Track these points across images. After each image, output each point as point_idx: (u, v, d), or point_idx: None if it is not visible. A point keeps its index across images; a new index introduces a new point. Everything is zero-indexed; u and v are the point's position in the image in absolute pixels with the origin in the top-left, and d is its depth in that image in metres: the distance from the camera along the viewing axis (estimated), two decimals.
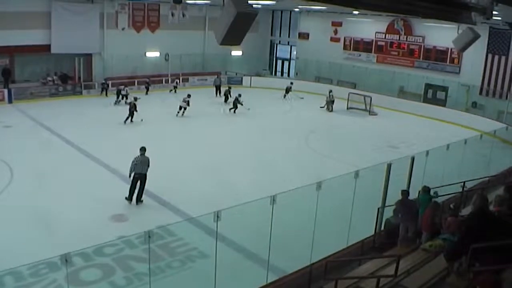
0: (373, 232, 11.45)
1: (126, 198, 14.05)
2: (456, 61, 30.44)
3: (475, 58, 28.16)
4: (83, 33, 30.33)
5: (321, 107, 29.67)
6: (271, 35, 41.97)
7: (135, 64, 33.15)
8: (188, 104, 25.62)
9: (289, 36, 41.12)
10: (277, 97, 32.42)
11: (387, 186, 11.57)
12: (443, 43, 29.70)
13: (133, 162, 14.06)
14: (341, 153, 20.35)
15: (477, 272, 6.44)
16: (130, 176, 14.12)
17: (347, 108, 30.36)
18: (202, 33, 36.27)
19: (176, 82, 33.51)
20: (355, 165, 12.89)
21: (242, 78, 37.35)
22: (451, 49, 29.58)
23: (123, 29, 32.85)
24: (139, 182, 14.17)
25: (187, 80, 35.37)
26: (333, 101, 29.73)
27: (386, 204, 11.72)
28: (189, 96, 26.04)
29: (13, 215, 12.94)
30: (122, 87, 28.91)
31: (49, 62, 30.54)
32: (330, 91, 30.05)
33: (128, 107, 23.93)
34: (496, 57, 28.33)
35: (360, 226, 11.75)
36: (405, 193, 11.12)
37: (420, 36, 32.18)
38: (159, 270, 10.55)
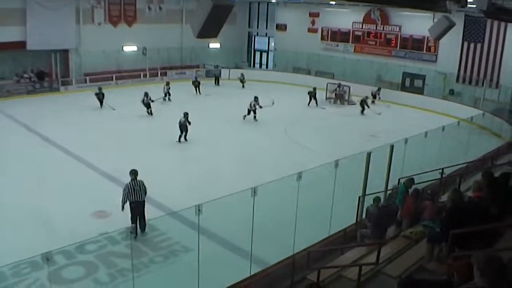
0: (354, 221, 11.55)
1: (130, 232, 11.22)
2: (432, 49, 30.75)
3: (451, 46, 28.48)
4: (59, 29, 29.95)
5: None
6: (249, 27, 41.87)
7: (112, 59, 32.81)
8: (260, 107, 24.10)
9: (266, 28, 41.11)
10: (255, 89, 32.33)
11: (367, 175, 11.65)
12: (420, 32, 29.97)
13: (124, 190, 11.81)
14: (321, 143, 20.50)
15: (456, 258, 6.57)
16: (123, 208, 11.79)
17: (326, 98, 30.46)
18: (180, 26, 36.03)
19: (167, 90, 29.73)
20: (335, 155, 12.95)
21: (220, 71, 37.25)
22: (427, 38, 29.89)
23: (99, 24, 32.51)
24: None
25: (165, 74, 35.15)
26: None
27: (367, 193, 11.81)
28: (256, 99, 24.38)
29: None
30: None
31: (25, 59, 30.03)
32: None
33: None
34: (472, 45, 28.69)
35: (341, 215, 11.85)
36: (378, 200, 11.24)
37: (396, 26, 32.41)
38: (142, 266, 10.52)
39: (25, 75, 29.62)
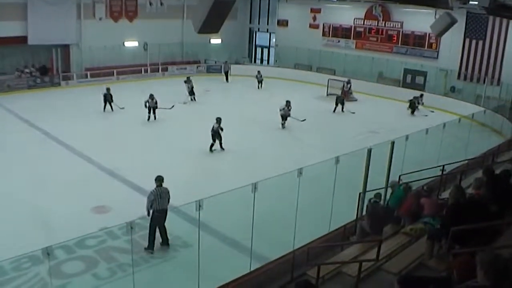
0: (355, 217, 11.55)
1: (145, 248, 10.96)
2: (434, 46, 30.68)
3: (452, 43, 28.40)
4: (60, 24, 29.94)
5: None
6: (250, 22, 41.78)
7: (113, 54, 32.77)
8: (289, 110, 22.39)
9: (268, 24, 41.00)
10: (256, 85, 32.27)
11: (368, 171, 11.65)
12: (421, 28, 29.86)
13: (149, 197, 11.08)
14: (322, 139, 20.46)
15: (456, 255, 6.57)
16: (148, 214, 11.15)
17: (327, 95, 30.42)
18: (181, 21, 35.96)
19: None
20: (336, 151, 12.93)
21: (221, 66, 37.19)
22: (429, 34, 29.80)
23: (100, 19, 32.45)
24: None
25: (166, 69, 35.12)
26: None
27: (367, 189, 11.80)
28: (288, 103, 22.57)
29: None
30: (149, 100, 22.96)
31: (26, 53, 30.08)
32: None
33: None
34: (474, 42, 28.62)
35: (341, 211, 11.85)
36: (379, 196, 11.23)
37: (398, 22, 32.33)
38: (142, 261, 10.53)
39: (26, 70, 29.62)
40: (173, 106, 23.32)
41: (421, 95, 27.34)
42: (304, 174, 9.80)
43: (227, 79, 34.19)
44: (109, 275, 10.15)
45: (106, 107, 23.99)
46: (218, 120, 18.22)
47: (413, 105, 26.67)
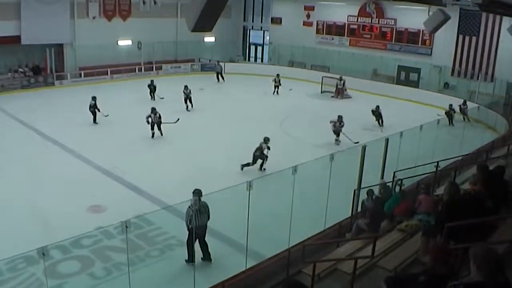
0: (349, 214, 11.57)
1: (186, 261, 10.29)
2: (427, 42, 30.76)
3: (446, 39, 28.51)
4: (54, 23, 29.84)
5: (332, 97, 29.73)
6: (244, 20, 41.74)
7: (107, 53, 32.66)
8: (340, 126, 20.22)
9: (261, 21, 40.98)
10: (251, 83, 32.28)
11: (363, 168, 11.66)
12: (415, 25, 29.96)
13: (187, 213, 10.15)
14: (316, 137, 20.45)
15: (451, 250, 6.60)
16: (188, 229, 10.29)
17: (321, 92, 30.46)
18: (175, 20, 35.90)
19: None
20: (331, 149, 12.97)
21: (221, 66, 37.16)
22: (422, 31, 29.89)
23: (94, 18, 32.38)
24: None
25: (161, 68, 35.05)
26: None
27: (362, 186, 11.82)
28: (340, 119, 20.27)
29: None
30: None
31: (20, 53, 29.95)
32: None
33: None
34: (467, 38, 28.71)
35: (336, 208, 11.87)
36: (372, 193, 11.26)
37: (391, 19, 32.39)
38: (138, 260, 10.53)
39: (20, 70, 29.51)
40: (178, 120, 20.71)
41: (465, 102, 24.46)
42: (299, 172, 9.81)
43: (218, 79, 33.61)
44: (105, 275, 10.14)
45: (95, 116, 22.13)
46: (266, 140, 16.68)
47: (450, 115, 23.36)
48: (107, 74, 32.21)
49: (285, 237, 9.94)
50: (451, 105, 23.85)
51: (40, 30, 28.87)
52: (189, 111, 24.34)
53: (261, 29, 41.25)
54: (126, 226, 7.66)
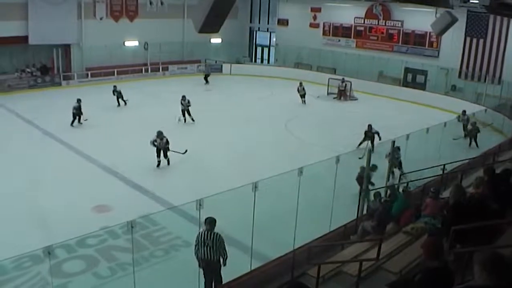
0: (355, 217, 11.54)
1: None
2: (435, 45, 30.66)
3: (453, 41, 28.39)
4: (61, 23, 29.94)
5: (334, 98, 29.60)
6: (250, 22, 41.75)
7: (114, 53, 32.76)
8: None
9: (268, 23, 40.97)
10: (257, 84, 32.28)
11: (369, 170, 11.64)
12: (422, 27, 29.86)
13: (195, 241, 8.92)
14: (322, 138, 20.42)
15: (457, 254, 6.57)
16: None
17: (327, 94, 30.43)
18: (181, 21, 35.93)
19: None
20: (336, 150, 12.95)
21: (222, 66, 37.22)
22: (429, 33, 29.80)
23: (101, 18, 32.48)
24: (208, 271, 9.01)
25: (167, 69, 35.10)
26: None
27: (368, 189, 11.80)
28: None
29: None
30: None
31: (27, 53, 30.10)
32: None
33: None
34: (474, 40, 28.59)
35: (342, 210, 11.85)
36: (379, 195, 11.23)
37: (398, 21, 32.31)
38: (143, 260, 10.54)
39: (27, 70, 29.64)
40: (186, 151, 17.49)
41: (463, 112, 21.50)
42: (305, 173, 9.79)
43: (206, 81, 32.68)
44: (109, 274, 10.17)
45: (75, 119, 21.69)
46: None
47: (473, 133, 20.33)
48: (114, 74, 32.30)
49: (290, 238, 9.92)
50: (464, 111, 21.50)
51: (47, 30, 28.99)
52: (186, 122, 22.28)
53: (267, 30, 41.24)
54: (132, 226, 7.67)
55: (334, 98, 29.71)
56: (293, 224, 10.07)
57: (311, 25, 37.53)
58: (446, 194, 10.34)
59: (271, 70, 36.54)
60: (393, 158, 13.64)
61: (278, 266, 9.10)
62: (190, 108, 22.33)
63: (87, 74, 31.67)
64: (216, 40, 38.32)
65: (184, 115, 22.33)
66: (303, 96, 27.56)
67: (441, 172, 13.30)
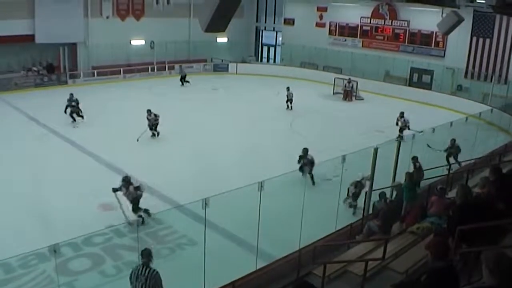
0: (361, 216, 11.54)
1: None
2: (441, 44, 30.55)
3: (459, 41, 28.29)
4: (67, 22, 30.10)
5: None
6: (257, 21, 41.75)
7: (120, 52, 32.83)
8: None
9: (274, 22, 40.96)
10: (263, 83, 32.31)
11: (374, 170, 11.61)
12: (428, 27, 29.76)
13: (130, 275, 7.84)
14: (328, 138, 20.37)
15: (463, 254, 6.56)
16: None
17: (333, 93, 30.39)
18: (187, 20, 35.97)
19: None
20: (342, 150, 12.91)
21: (228, 65, 37.23)
22: (435, 33, 29.69)
23: (107, 17, 32.59)
24: None
25: (173, 68, 35.13)
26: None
27: (374, 188, 11.78)
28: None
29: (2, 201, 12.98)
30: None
31: (34, 52, 30.16)
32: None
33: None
34: (481, 40, 28.48)
35: (348, 210, 11.84)
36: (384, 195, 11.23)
37: (405, 21, 32.21)
38: None
39: (34, 68, 29.74)
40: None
41: (401, 114, 21.17)
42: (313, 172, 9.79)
43: (182, 83, 31.81)
44: (115, 273, 10.20)
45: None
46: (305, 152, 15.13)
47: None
48: (120, 73, 32.40)
49: (295, 238, 9.93)
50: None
51: (54, 28, 29.10)
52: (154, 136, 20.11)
53: (273, 29, 41.23)
54: (138, 225, 7.69)
55: (343, 99, 29.55)
56: (298, 224, 10.07)
57: (317, 24, 37.48)
58: (452, 194, 10.33)
59: (277, 70, 36.50)
60: None
61: (284, 266, 9.12)
62: (158, 123, 19.92)
63: (93, 73, 31.74)
64: (222, 39, 38.31)
65: (151, 129, 19.86)
66: (290, 101, 26.07)
67: (447, 172, 13.27)
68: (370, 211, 11.41)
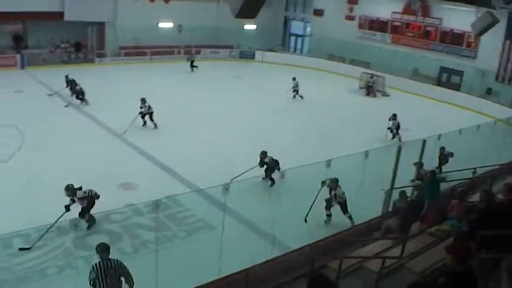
0: (379, 214, 11.44)
1: None
2: (472, 45, 29.95)
3: (492, 43, 27.68)
4: (97, 1, 30.22)
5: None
6: (286, 10, 41.41)
7: (147, 34, 32.92)
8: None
9: (303, 12, 40.64)
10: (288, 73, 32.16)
11: (397, 168, 11.49)
12: (461, 26, 29.20)
13: (90, 274, 7.08)
14: (351, 133, 20.19)
15: (483, 259, 6.47)
16: None
17: (359, 88, 30.10)
18: (216, 5, 35.79)
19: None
20: (365, 146, 12.80)
21: (254, 53, 37.11)
22: (468, 33, 29.13)
23: None
24: None
25: (200, 52, 35.16)
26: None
27: (395, 186, 11.66)
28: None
29: (22, 180, 13.09)
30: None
31: (62, 29, 30.39)
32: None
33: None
34: None
35: (367, 206, 11.75)
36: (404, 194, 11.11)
37: (437, 18, 31.66)
38: (165, 239, 10.62)
39: (62, 45, 30.10)
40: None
41: (394, 116, 19.96)
42: (332, 166, 9.73)
43: (192, 69, 31.42)
44: (132, 251, 10.29)
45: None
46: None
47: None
48: (147, 55, 32.54)
49: (313, 229, 9.91)
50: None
51: (83, 7, 29.27)
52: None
53: (302, 20, 40.90)
54: (157, 205, 7.74)
55: (365, 94, 29.24)
56: (316, 216, 10.05)
57: (347, 17, 37.07)
58: (475, 198, 10.19)
59: (303, 60, 36.22)
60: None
61: (299, 257, 9.08)
62: (152, 112, 18.95)
63: (120, 53, 31.93)
64: (250, 26, 38.08)
65: (143, 119, 18.88)
66: (296, 92, 25.89)
67: (470, 176, 13.08)
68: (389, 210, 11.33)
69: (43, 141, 16.33)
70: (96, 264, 7.06)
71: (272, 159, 13.68)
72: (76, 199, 10.67)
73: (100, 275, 6.96)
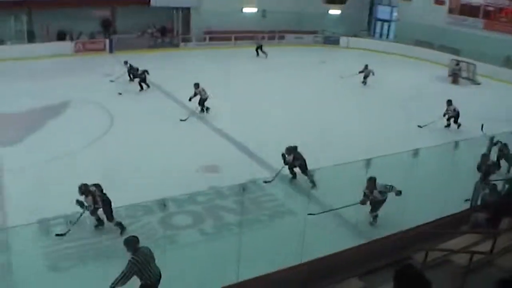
0: (468, 207, 11.01)
1: None
2: None
3: None
4: None
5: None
6: None
7: (232, 19, 33.32)
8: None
9: None
10: (374, 59, 31.41)
11: (488, 158, 10.98)
12: None
13: (130, 269, 7.07)
14: (439, 122, 19.35)
15: None
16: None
17: (448, 75, 28.83)
18: None
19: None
20: (454, 136, 12.31)
21: (339, 38, 36.54)
22: None
23: None
24: None
25: (283, 37, 35.10)
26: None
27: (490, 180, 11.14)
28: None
29: (111, 160, 13.73)
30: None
31: (148, 15, 31.53)
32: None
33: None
34: None
35: (455, 198, 11.32)
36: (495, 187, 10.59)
37: None
38: (247, 222, 10.73)
39: (148, 30, 31.12)
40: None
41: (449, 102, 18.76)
42: (420, 156, 9.43)
43: (258, 53, 31.05)
44: (214, 232, 10.53)
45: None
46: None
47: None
48: (231, 40, 32.94)
49: (397, 219, 9.70)
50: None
51: None
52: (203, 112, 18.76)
53: (389, 4, 39.70)
54: (243, 189, 7.85)
55: (450, 82, 27.97)
56: (402, 206, 9.82)
57: (436, 1, 35.57)
58: None
59: (389, 46, 35.25)
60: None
61: (382, 247, 8.93)
62: (207, 97, 18.54)
63: (205, 38, 32.52)
64: (334, 11, 37.43)
65: (200, 104, 18.51)
66: (365, 77, 24.99)
67: None
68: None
69: (131, 124, 17.02)
70: (133, 258, 7.12)
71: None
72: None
73: (143, 264, 7.12)
